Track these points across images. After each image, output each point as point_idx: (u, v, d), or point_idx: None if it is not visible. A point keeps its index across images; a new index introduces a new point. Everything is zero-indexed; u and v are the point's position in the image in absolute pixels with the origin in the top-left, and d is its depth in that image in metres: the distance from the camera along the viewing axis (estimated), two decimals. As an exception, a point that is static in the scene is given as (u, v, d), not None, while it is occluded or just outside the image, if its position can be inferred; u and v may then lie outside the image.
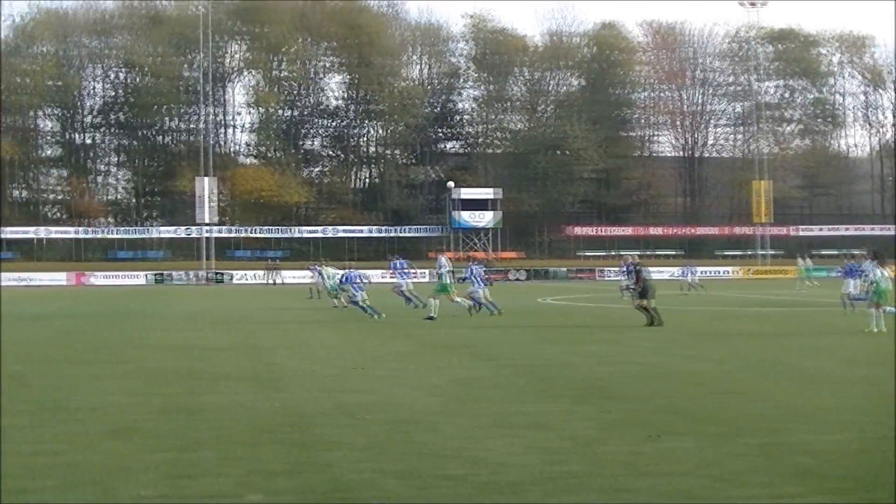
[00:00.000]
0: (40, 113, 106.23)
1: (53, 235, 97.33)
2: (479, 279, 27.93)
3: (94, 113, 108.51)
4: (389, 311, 27.58)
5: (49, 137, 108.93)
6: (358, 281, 27.35)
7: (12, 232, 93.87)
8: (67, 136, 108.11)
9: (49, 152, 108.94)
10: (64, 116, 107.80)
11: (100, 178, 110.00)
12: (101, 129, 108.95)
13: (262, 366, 14.98)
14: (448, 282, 27.51)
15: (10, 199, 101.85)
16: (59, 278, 78.72)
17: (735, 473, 7.44)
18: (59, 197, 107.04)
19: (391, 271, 37.52)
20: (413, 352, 17.48)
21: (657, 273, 44.95)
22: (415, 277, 41.69)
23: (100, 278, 79.42)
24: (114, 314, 30.60)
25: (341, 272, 31.58)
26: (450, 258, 34.90)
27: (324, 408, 10.59)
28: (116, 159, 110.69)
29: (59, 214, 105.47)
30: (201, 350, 17.61)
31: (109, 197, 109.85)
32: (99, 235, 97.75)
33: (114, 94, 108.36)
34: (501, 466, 7.71)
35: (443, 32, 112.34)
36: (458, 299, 27.18)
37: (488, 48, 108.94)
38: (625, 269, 35.05)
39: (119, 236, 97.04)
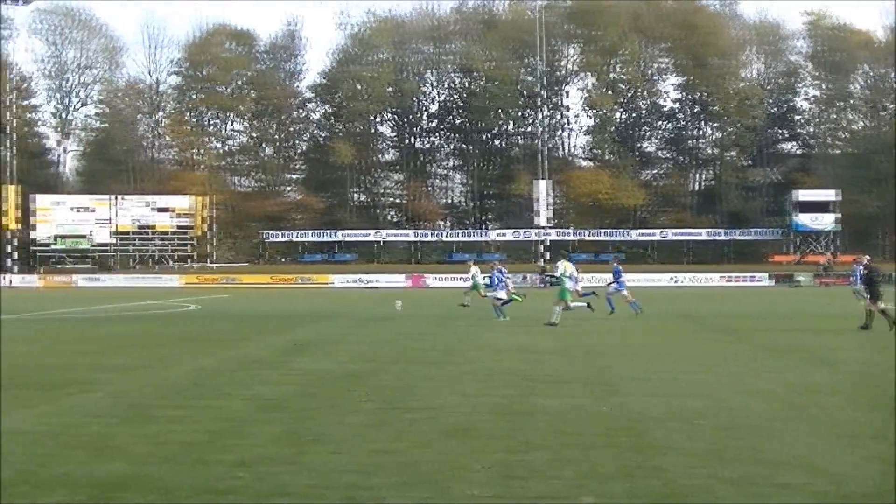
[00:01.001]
0: (379, 118, 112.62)
1: (392, 238, 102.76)
2: (503, 282, 29.34)
3: (431, 118, 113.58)
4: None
5: (387, 142, 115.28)
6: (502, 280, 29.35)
7: (352, 235, 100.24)
8: (405, 141, 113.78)
9: (388, 157, 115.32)
10: (401, 121, 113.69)
11: (437, 182, 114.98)
12: (438, 134, 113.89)
13: (595, 369, 14.89)
14: (567, 286, 26.92)
15: (350, 203, 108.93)
16: (397, 280, 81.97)
17: None
18: (397, 200, 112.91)
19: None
20: (743, 355, 17.09)
21: None
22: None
23: (436, 280, 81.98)
24: (447, 316, 31.69)
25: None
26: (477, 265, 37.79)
27: (657, 412, 10.38)
28: (453, 163, 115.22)
29: (397, 218, 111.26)
30: (535, 353, 17.80)
31: (446, 200, 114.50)
32: (436, 238, 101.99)
33: (450, 98, 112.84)
34: (842, 478, 7.40)
35: (780, 31, 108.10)
36: (573, 303, 27.34)
37: (827, 45, 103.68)
38: (858, 269, 31.83)
39: (455, 239, 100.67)
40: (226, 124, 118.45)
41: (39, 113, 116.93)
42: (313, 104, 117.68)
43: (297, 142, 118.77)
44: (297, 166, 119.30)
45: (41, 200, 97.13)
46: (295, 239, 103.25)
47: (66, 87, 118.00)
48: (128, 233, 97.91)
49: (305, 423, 9.91)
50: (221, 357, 17.27)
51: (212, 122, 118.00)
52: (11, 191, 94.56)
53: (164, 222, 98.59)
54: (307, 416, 10.36)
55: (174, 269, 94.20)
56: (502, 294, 29.42)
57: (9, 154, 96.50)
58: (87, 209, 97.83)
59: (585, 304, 28.64)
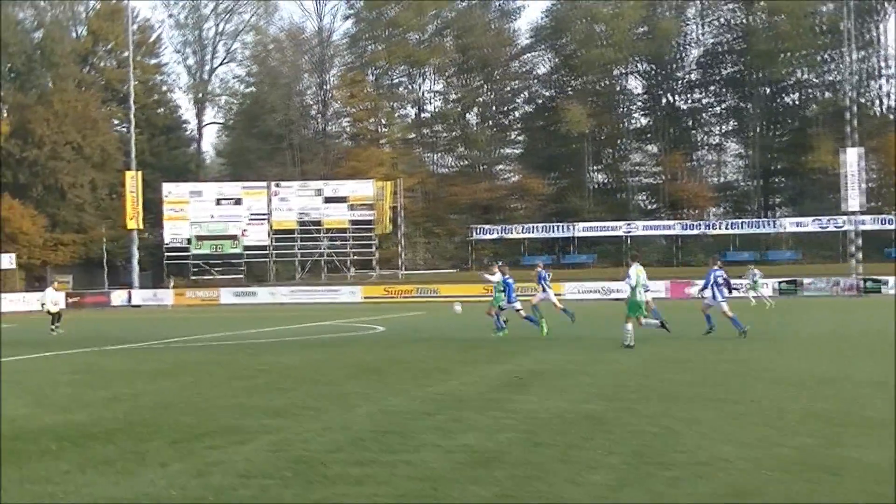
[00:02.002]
0: (624, 70, 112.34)
1: (643, 232, 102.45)
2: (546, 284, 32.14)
3: (695, 67, 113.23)
4: None
5: (636, 102, 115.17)
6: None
7: (590, 229, 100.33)
8: (660, 100, 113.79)
9: (637, 122, 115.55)
10: (655, 74, 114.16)
11: (704, 154, 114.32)
12: (705, 89, 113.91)
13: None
14: (639, 298, 28.19)
15: (587, 186, 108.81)
16: (653, 288, 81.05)
17: None
18: (651, 181, 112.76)
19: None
20: None
21: None
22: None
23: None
24: (720, 337, 31.28)
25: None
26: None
27: None
28: (726, 128, 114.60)
29: (650, 204, 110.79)
30: (843, 384, 17.56)
31: (718, 179, 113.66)
32: (704, 231, 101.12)
33: (721, 39, 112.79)
34: None
35: None
36: (646, 321, 28.71)
37: None
38: None
39: (731, 231, 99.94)
40: (418, 84, 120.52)
41: (169, 74, 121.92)
42: (534, 53, 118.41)
43: (514, 105, 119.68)
44: (515, 138, 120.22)
45: (173, 190, 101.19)
46: (512, 235, 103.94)
47: (204, 38, 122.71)
48: (289, 231, 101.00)
49: (529, 483, 10.00)
50: (416, 395, 17.63)
51: (399, 81, 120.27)
52: (133, 178, 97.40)
53: (337, 216, 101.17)
54: (531, 473, 10.46)
55: (351, 279, 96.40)
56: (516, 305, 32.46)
57: (129, 130, 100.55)
58: (234, 200, 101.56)
59: (658, 324, 29.49)
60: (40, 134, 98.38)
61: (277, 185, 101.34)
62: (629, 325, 27.55)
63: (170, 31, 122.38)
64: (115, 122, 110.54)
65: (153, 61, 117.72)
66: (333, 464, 11.17)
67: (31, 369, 25.49)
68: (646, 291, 28.86)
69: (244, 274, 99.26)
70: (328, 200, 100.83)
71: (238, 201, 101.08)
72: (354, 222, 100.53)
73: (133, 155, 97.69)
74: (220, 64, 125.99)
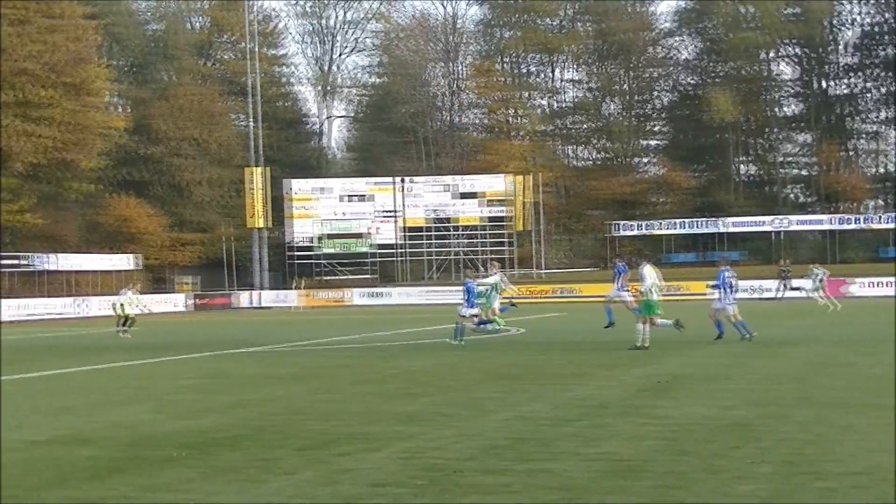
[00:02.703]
0: (774, 54, 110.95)
1: (797, 227, 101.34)
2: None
3: (851, 49, 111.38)
4: None
5: (788, 89, 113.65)
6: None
7: (739, 224, 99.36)
8: (813, 86, 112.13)
9: (788, 110, 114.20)
10: (807, 57, 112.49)
11: (862, 144, 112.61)
12: (863, 73, 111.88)
13: None
14: (654, 299, 29.15)
15: (735, 179, 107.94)
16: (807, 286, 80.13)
17: None
18: (804, 173, 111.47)
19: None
20: None
21: None
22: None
23: (862, 287, 79.14)
24: (878, 338, 30.81)
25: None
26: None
27: None
28: (885, 115, 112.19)
29: (804, 197, 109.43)
30: None
31: (877, 170, 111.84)
32: (863, 226, 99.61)
33: (880, 19, 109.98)
34: None
35: None
36: (661, 321, 29.35)
37: None
38: None
39: (893, 226, 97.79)
40: (553, 72, 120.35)
41: (292, 66, 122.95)
42: (677, 38, 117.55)
43: (656, 93, 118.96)
44: (657, 128, 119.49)
45: (299, 186, 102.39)
46: (656, 231, 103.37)
47: (329, 28, 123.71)
48: (420, 229, 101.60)
49: (672, 493, 10.03)
50: (554, 400, 17.73)
51: (533, 69, 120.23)
52: (258, 174, 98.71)
53: (470, 213, 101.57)
54: (674, 483, 10.48)
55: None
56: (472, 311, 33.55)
57: (252, 124, 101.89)
58: (362, 197, 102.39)
59: (672, 323, 29.80)
60: (161, 130, 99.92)
61: (411, 181, 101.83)
62: (643, 326, 28.43)
63: (295, 21, 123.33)
64: (234, 116, 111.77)
65: (276, 52, 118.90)
66: (467, 472, 11.27)
67: (155, 374, 26.04)
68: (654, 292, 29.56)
69: (376, 274, 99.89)
70: (461, 196, 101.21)
71: (366, 198, 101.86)
72: (489, 219, 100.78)
73: (260, 150, 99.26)
74: (346, 54, 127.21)
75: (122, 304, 45.81)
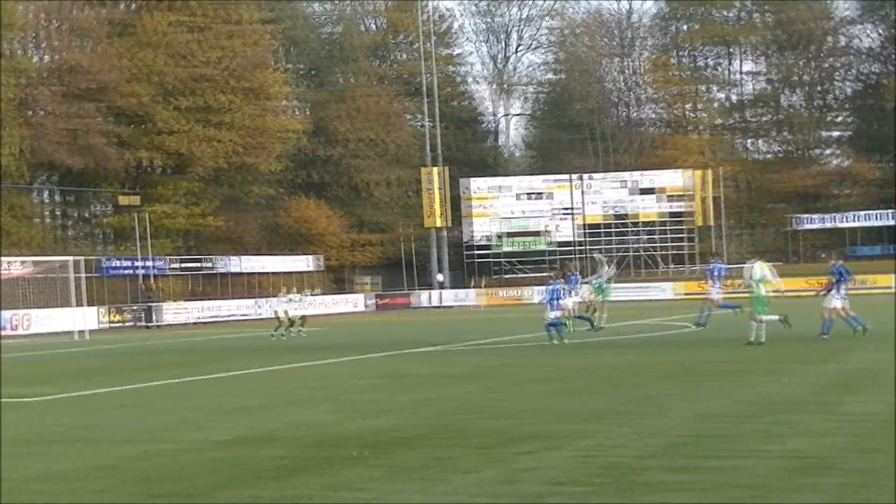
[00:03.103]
0: None
1: None
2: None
3: None
4: None
5: None
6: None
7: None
8: None
9: None
10: None
11: None
12: None
13: None
14: (761, 293, 29.59)
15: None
16: None
17: None
18: None
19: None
20: None
21: None
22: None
23: None
24: None
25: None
26: None
27: None
28: None
29: None
30: None
31: None
32: None
33: None
34: None
35: None
36: (766, 317, 29.39)
37: None
38: None
39: None
40: (731, 65, 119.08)
41: (467, 65, 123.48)
42: (859, 26, 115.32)
43: (838, 83, 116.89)
44: (840, 119, 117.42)
45: (477, 185, 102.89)
46: (840, 224, 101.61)
47: (503, 25, 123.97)
48: (598, 226, 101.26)
49: (858, 492, 9.83)
50: (735, 397, 17.50)
51: (711, 62, 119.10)
52: (435, 174, 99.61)
53: (649, 209, 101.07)
54: (861, 481, 10.28)
55: (667, 274, 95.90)
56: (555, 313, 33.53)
57: (428, 124, 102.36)
58: (539, 195, 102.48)
59: (779, 318, 30.28)
60: (339, 131, 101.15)
61: (586, 178, 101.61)
62: (756, 322, 28.91)
63: (469, 20, 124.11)
64: (410, 116, 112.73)
65: (450, 52, 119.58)
66: (648, 471, 11.17)
67: (332, 374, 26.40)
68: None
69: (553, 271, 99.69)
70: (640, 192, 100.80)
71: (545, 195, 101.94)
72: (669, 214, 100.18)
73: (438, 149, 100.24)
74: (521, 51, 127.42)
75: (285, 311, 46.29)
